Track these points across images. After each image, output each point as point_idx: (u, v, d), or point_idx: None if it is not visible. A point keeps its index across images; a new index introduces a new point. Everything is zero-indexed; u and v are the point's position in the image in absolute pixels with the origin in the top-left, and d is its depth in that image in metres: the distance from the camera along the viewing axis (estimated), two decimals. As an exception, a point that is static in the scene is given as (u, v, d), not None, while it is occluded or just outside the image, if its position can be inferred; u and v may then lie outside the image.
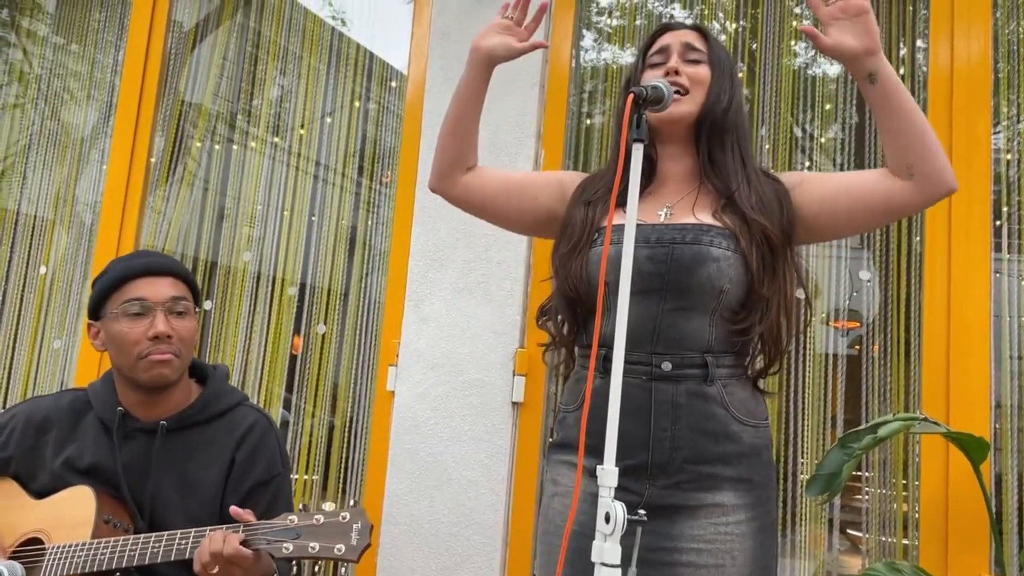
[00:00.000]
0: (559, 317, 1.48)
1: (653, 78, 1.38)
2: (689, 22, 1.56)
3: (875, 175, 1.37)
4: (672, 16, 2.54)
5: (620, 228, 1.35)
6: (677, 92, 1.42)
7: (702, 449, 1.33)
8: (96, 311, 1.62)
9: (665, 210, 1.43)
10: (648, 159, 1.37)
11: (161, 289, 1.59)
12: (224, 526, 1.39)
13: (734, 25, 2.47)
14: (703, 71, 1.46)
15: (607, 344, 1.34)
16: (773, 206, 1.41)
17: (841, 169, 2.27)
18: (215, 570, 1.34)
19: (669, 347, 1.34)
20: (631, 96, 1.16)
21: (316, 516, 1.35)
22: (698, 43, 1.48)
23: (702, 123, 1.45)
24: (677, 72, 1.43)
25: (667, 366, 1.34)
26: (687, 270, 1.34)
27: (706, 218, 1.40)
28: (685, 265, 1.34)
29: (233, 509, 1.39)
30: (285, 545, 1.34)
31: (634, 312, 1.29)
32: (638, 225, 1.37)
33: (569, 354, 1.50)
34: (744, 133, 1.49)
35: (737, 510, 1.33)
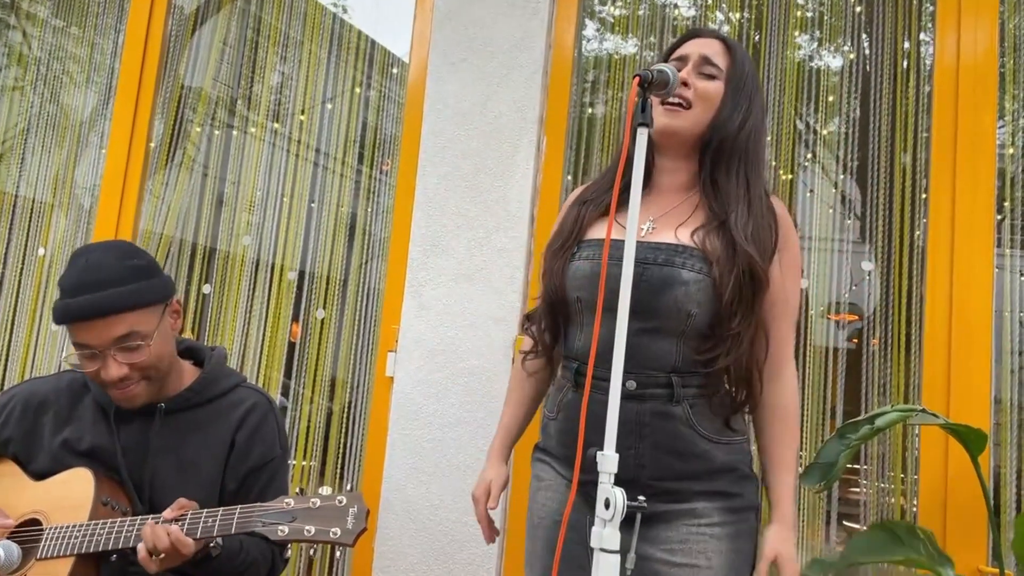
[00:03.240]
0: (542, 323, 1.48)
1: None
2: (723, 30, 1.50)
3: (772, 355, 1.37)
4: (676, 7, 2.53)
5: (598, 243, 1.39)
6: (679, 105, 1.39)
7: (666, 467, 1.32)
8: None
9: (648, 224, 1.40)
10: (645, 168, 1.33)
11: (102, 333, 1.47)
12: (221, 508, 1.39)
13: (737, 16, 2.45)
14: (713, 88, 1.40)
15: (580, 359, 1.39)
16: (767, 240, 1.36)
17: (843, 163, 2.26)
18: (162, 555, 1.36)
19: (635, 366, 1.31)
20: (636, 79, 1.14)
21: (312, 500, 1.35)
22: (719, 57, 1.42)
23: (708, 143, 1.40)
24: (686, 84, 1.38)
25: (632, 385, 1.32)
26: (655, 292, 1.31)
27: (684, 238, 1.36)
28: (653, 287, 1.31)
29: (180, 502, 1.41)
30: (281, 528, 1.33)
31: (602, 330, 1.28)
32: (614, 241, 1.31)
33: (549, 362, 1.53)
34: (755, 161, 1.41)
35: (711, 514, 1.33)
